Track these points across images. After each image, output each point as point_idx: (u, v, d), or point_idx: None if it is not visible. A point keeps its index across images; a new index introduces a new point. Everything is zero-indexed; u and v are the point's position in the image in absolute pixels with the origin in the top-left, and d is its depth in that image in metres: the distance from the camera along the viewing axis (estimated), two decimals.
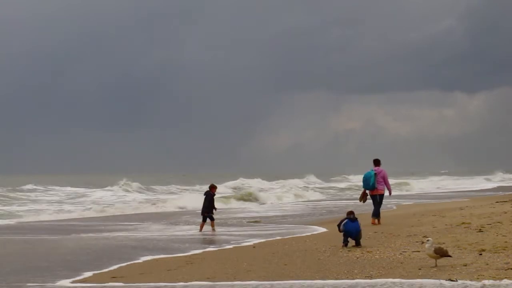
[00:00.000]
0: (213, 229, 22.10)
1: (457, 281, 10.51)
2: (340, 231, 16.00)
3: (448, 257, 12.26)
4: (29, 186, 55.93)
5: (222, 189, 45.16)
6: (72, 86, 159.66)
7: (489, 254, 13.14)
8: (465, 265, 12.03)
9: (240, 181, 67.82)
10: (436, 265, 12.12)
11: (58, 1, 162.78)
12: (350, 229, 15.82)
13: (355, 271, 12.16)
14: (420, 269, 11.95)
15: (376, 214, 21.74)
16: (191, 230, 22.78)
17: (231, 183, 63.94)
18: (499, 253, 13.19)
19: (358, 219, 16.12)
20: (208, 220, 22.43)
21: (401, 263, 12.92)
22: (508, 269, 11.37)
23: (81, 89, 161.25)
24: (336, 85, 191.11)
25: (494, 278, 10.57)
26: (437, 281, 10.52)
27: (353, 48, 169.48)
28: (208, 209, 22.30)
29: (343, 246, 15.69)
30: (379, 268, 12.35)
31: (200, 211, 22.64)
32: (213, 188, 22.85)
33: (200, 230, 22.15)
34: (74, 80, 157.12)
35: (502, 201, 27.84)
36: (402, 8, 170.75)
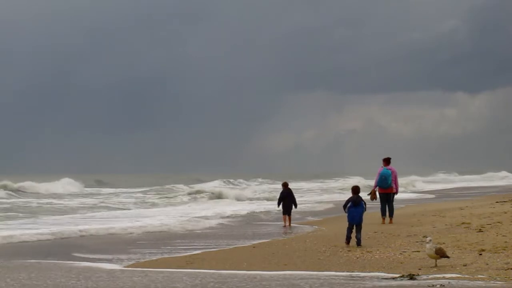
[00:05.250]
0: (290, 225, 23.03)
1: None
2: (345, 212, 16.20)
3: (447, 258, 12.27)
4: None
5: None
6: (71, 87, 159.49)
7: (489, 254, 13.14)
8: (465, 265, 12.02)
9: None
10: (436, 265, 12.12)
11: (58, 1, 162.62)
12: (353, 215, 15.84)
13: (355, 271, 12.16)
14: (420, 269, 11.95)
15: (391, 213, 21.48)
16: None
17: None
18: (499, 253, 13.18)
19: (362, 200, 16.10)
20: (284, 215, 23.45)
21: (401, 263, 12.91)
22: (508, 269, 11.37)
23: (80, 90, 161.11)
24: (337, 85, 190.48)
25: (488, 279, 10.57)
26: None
27: (355, 48, 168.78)
28: (291, 206, 23.37)
29: (346, 243, 15.84)
30: (379, 268, 12.35)
31: (282, 208, 23.41)
32: (287, 185, 23.98)
33: (285, 224, 23.08)
34: (74, 80, 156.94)
35: (502, 201, 27.80)
36: (404, 8, 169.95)
